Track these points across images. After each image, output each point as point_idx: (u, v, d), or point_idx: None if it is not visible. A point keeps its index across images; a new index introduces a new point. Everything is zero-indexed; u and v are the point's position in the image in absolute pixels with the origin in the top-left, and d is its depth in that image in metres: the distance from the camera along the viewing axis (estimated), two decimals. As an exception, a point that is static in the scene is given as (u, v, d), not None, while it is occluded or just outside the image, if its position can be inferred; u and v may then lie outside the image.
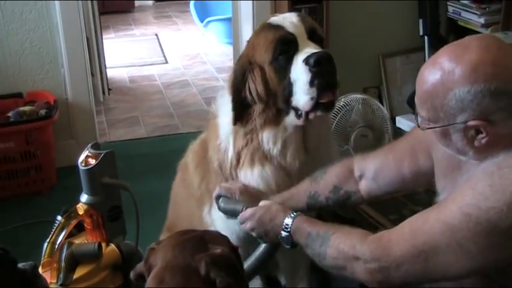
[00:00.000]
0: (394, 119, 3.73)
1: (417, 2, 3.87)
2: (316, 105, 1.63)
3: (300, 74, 1.61)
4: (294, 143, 1.75)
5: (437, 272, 1.27)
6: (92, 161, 1.66)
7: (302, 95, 1.62)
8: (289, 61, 1.64)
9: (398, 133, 3.45)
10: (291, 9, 3.46)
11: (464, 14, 3.71)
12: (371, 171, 1.65)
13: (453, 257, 1.23)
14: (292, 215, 1.55)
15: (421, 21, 3.83)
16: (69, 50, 3.41)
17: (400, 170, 1.58)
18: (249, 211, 1.65)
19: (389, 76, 3.95)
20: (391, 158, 1.62)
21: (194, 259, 1.16)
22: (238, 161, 1.80)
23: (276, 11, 3.51)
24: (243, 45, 1.86)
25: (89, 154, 1.69)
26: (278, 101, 1.69)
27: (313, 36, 1.69)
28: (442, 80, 1.24)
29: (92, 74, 3.93)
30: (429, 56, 3.84)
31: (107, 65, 4.76)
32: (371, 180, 1.65)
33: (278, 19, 1.72)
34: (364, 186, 1.67)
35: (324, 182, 1.71)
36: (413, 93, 4.16)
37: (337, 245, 1.41)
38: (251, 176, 1.78)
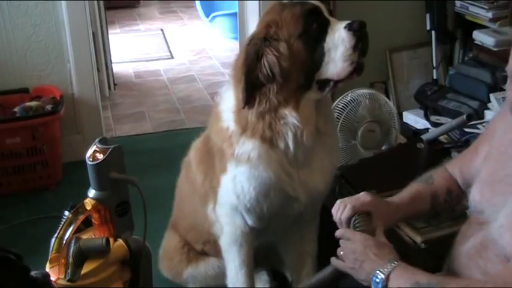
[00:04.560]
0: (401, 114, 3.71)
1: (424, -4, 3.85)
2: (354, 69, 1.69)
3: (340, 40, 1.66)
4: (310, 121, 1.76)
5: None
6: (100, 156, 1.65)
7: (340, 63, 1.67)
8: (322, 31, 1.69)
9: (405, 128, 3.44)
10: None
11: (472, 9, 3.68)
12: (458, 173, 1.65)
13: None
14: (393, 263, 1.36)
15: (428, 15, 3.80)
16: (75, 45, 3.41)
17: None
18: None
19: (396, 71, 3.93)
20: (468, 154, 1.63)
21: None
22: (243, 130, 1.78)
23: (282, 5, 3.50)
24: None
25: (97, 149, 1.67)
26: (301, 76, 1.71)
27: (331, 15, 1.76)
28: None
29: (98, 69, 3.93)
30: (436, 51, 3.86)
31: (113, 60, 4.76)
32: (462, 181, 1.63)
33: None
34: (464, 188, 1.63)
35: (438, 185, 1.65)
36: (421, 88, 4.10)
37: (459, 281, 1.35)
38: (252, 146, 1.76)
